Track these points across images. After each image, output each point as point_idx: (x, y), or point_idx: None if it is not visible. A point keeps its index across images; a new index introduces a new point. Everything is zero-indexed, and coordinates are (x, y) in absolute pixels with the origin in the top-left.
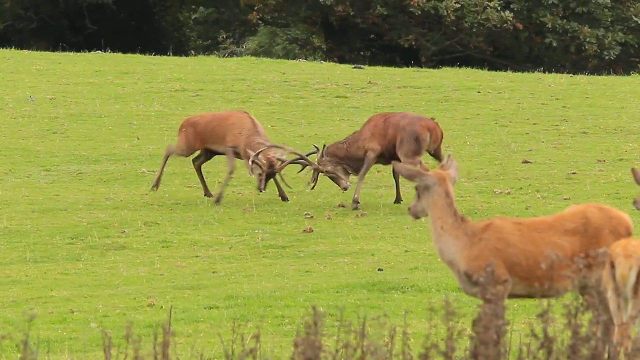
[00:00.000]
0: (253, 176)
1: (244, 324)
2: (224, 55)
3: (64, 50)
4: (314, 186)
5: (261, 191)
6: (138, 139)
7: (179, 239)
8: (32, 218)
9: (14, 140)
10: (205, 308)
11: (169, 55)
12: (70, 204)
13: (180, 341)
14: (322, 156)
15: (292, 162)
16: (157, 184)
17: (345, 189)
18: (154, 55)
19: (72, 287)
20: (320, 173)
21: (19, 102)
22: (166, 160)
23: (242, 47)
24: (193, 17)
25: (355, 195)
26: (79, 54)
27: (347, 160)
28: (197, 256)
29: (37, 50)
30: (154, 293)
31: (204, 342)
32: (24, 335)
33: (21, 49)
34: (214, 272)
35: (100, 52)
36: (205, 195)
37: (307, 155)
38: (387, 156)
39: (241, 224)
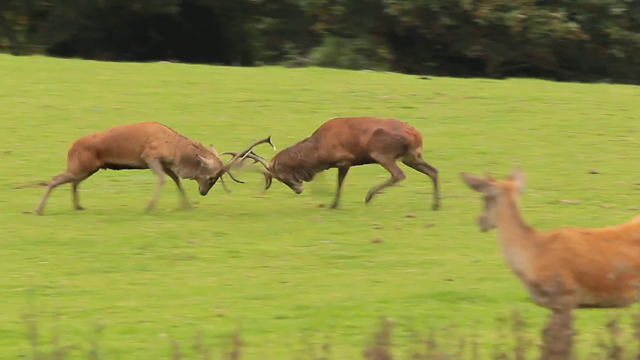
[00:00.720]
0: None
1: (314, 334)
2: (290, 65)
3: (129, 60)
4: (267, 187)
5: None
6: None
7: (247, 249)
8: (100, 228)
9: None
10: (274, 318)
11: (235, 65)
12: (138, 214)
13: (250, 351)
14: (273, 165)
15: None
16: (40, 211)
17: (299, 192)
18: (220, 65)
19: (140, 298)
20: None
21: (85, 112)
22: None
23: (308, 58)
24: (259, 27)
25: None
26: (144, 64)
27: (300, 170)
28: (265, 266)
29: (102, 61)
30: (223, 303)
31: (274, 352)
32: (93, 345)
33: (87, 59)
34: (283, 282)
35: (166, 62)
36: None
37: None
38: (358, 162)
39: (310, 234)
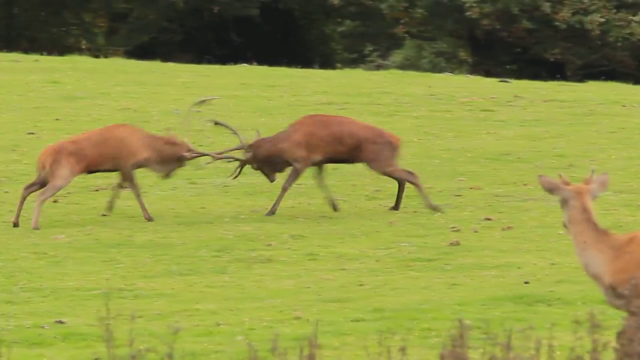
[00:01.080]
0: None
1: (391, 336)
2: (370, 68)
3: (209, 62)
4: (236, 176)
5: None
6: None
7: (325, 252)
8: (177, 231)
9: None
10: (351, 321)
11: (315, 68)
12: (216, 217)
13: (327, 354)
14: (246, 152)
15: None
16: (16, 222)
17: (272, 181)
18: (300, 68)
19: (218, 300)
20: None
21: (164, 114)
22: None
23: (389, 61)
24: (339, 30)
25: (275, 207)
26: (224, 66)
27: (269, 160)
28: (343, 269)
29: (182, 63)
30: (300, 306)
31: (351, 355)
32: (169, 348)
33: (166, 62)
34: (360, 285)
35: (246, 64)
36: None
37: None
38: (327, 160)
39: (387, 236)
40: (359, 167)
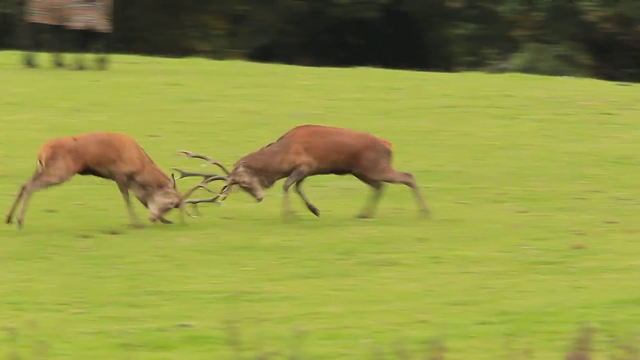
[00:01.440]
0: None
1: (516, 339)
2: (491, 71)
3: (329, 65)
4: (226, 194)
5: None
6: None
7: (449, 255)
8: (302, 234)
9: None
10: (476, 324)
11: (435, 71)
12: (340, 220)
13: (452, 357)
14: (236, 168)
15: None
16: (9, 219)
17: (260, 200)
18: (420, 71)
19: (343, 303)
20: (234, 185)
21: (284, 117)
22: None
23: (508, 64)
24: (459, 33)
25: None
26: (345, 69)
27: (265, 173)
28: (467, 272)
29: (302, 65)
30: (426, 309)
31: (476, 357)
32: (295, 351)
33: (287, 64)
34: (484, 288)
35: (366, 67)
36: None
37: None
38: (323, 171)
39: (511, 239)
40: (484, 170)
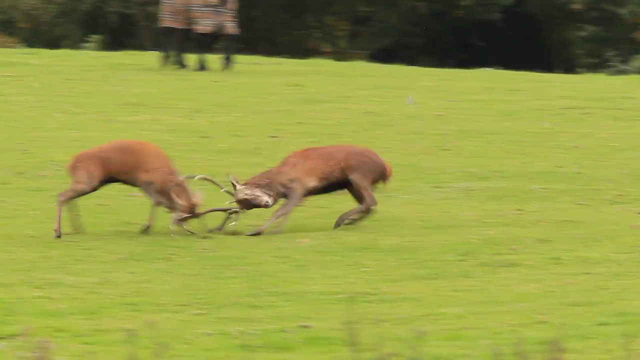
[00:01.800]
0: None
1: (634, 340)
2: (612, 73)
3: (451, 66)
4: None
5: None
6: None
7: (569, 256)
8: (422, 235)
9: (403, 156)
10: (596, 325)
11: (557, 72)
12: (460, 221)
13: (571, 358)
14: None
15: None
16: (59, 234)
17: (267, 205)
18: (541, 72)
19: (463, 304)
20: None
21: (407, 118)
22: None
23: (630, 66)
24: (580, 34)
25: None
26: (466, 70)
27: (270, 187)
28: (587, 273)
29: (424, 67)
30: (545, 310)
31: (595, 358)
32: (414, 352)
33: (408, 65)
34: (604, 289)
35: (489, 68)
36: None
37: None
38: (326, 186)
39: (630, 240)
40: (603, 171)
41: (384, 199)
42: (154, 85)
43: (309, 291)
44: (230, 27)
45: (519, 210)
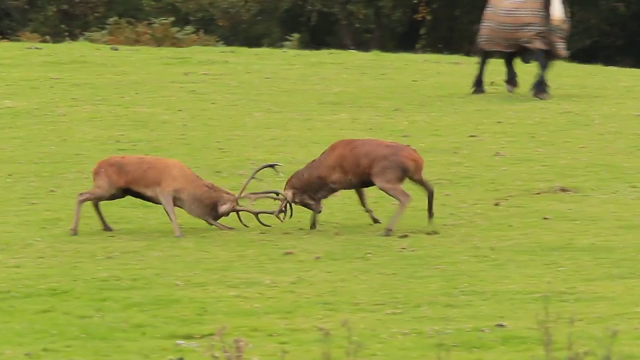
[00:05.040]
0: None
1: None
2: None
3: None
4: (284, 217)
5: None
6: None
7: None
8: (618, 234)
9: (601, 156)
10: None
11: None
12: None
13: None
14: (285, 190)
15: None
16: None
17: (318, 212)
18: None
19: None
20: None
21: (605, 118)
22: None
23: None
24: None
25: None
26: None
27: (308, 190)
28: None
29: (623, 67)
30: None
31: None
32: (607, 350)
33: (607, 65)
34: None
35: None
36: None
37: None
38: (355, 184)
39: None
40: None
41: (581, 198)
42: (354, 84)
43: (505, 290)
44: (561, 49)
45: None
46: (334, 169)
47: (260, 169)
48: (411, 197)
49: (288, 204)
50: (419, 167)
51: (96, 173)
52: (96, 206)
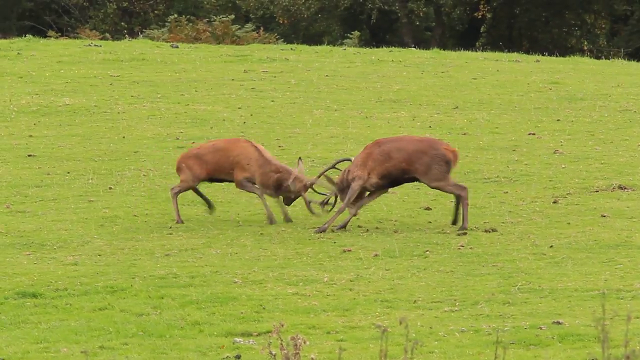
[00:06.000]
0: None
1: None
2: None
3: None
4: (331, 208)
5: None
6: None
7: None
8: None
9: None
10: None
11: None
12: None
13: None
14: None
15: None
16: (179, 220)
17: (353, 215)
18: None
19: None
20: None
21: None
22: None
23: None
24: None
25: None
26: None
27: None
28: None
29: None
30: None
31: None
32: None
33: None
34: None
35: None
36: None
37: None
38: (389, 183)
39: None
40: None
41: (639, 196)
42: (414, 82)
43: (563, 288)
44: None
45: None
46: (364, 166)
47: (340, 162)
48: (466, 188)
49: (333, 197)
50: (456, 158)
51: (178, 169)
52: (196, 191)
